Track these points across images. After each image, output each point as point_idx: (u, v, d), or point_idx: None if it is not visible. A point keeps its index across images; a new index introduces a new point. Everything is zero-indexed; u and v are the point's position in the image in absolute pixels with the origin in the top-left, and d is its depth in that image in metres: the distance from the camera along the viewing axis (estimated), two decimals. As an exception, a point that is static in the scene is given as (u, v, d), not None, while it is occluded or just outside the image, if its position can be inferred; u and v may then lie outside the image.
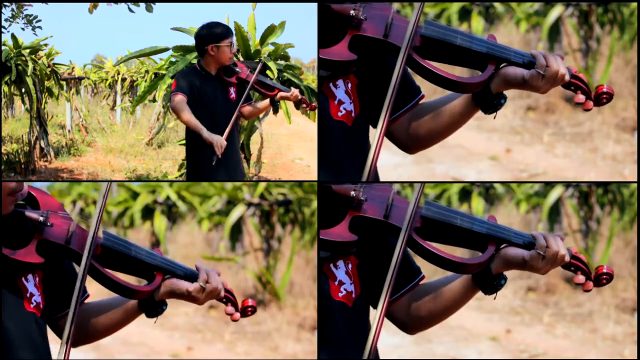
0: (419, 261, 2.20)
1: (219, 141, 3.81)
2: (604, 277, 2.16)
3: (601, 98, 2.20)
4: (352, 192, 2.12)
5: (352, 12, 2.18)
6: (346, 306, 2.16)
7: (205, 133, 3.81)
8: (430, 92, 2.28)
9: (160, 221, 8.01)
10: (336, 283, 2.15)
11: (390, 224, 2.12)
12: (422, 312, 2.23)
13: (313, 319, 6.93)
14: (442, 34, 2.18)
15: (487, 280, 2.14)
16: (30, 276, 2.19)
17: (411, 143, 2.35)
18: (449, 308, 2.22)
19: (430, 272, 2.21)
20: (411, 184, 2.17)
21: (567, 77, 2.16)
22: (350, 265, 2.17)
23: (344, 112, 2.23)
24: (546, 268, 2.12)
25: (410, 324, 2.26)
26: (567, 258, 2.12)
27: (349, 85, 2.24)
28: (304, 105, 4.17)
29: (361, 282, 2.18)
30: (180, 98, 3.85)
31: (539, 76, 2.14)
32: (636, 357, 6.07)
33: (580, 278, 2.16)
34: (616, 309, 6.86)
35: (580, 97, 2.20)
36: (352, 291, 2.17)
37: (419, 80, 2.28)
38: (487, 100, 2.20)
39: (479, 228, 2.12)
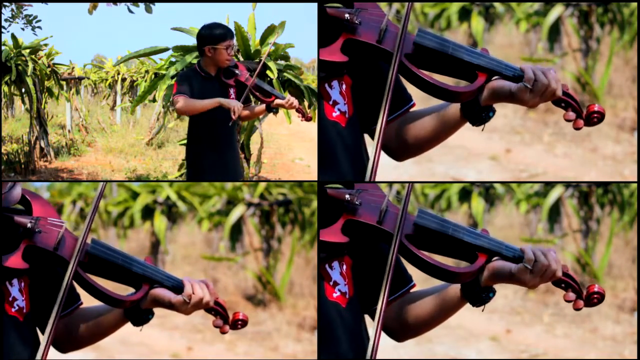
0: (411, 269, 2.21)
1: (236, 105, 3.80)
2: (595, 296, 2.14)
3: (592, 117, 2.18)
4: (347, 196, 2.13)
5: (346, 15, 2.19)
6: (340, 307, 2.17)
7: (222, 100, 3.83)
8: (424, 99, 2.29)
9: (160, 221, 8.01)
10: (331, 284, 2.16)
11: (383, 230, 2.12)
12: (410, 320, 2.24)
13: (313, 319, 6.93)
14: (435, 42, 2.18)
15: (476, 292, 2.14)
16: (15, 281, 2.20)
17: (399, 150, 2.36)
18: (436, 318, 2.23)
19: (422, 280, 2.22)
20: (411, 183, 2.15)
21: (558, 93, 2.15)
22: (344, 267, 2.18)
23: (338, 112, 2.24)
24: (534, 282, 2.10)
25: (399, 331, 2.28)
26: (559, 274, 2.11)
27: (344, 86, 2.25)
28: (299, 116, 4.15)
29: (355, 283, 2.19)
30: (183, 98, 3.85)
31: (526, 90, 2.13)
32: (636, 357, 6.07)
33: (571, 295, 2.14)
34: (616, 309, 6.86)
35: (570, 115, 2.19)
36: (346, 292, 2.17)
37: (410, 87, 2.29)
38: (475, 112, 2.20)
39: (470, 239, 2.12)
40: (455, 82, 2.22)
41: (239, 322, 2.32)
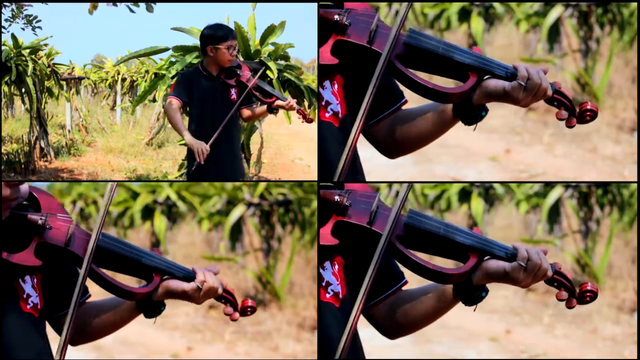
0: (404, 268, 2.20)
1: (200, 147, 3.84)
2: (588, 294, 2.14)
3: (585, 115, 2.17)
4: (337, 197, 2.13)
5: (336, 17, 2.18)
6: (334, 307, 2.17)
7: (187, 136, 3.88)
8: (418, 97, 2.28)
9: (160, 221, 8.02)
10: (323, 284, 2.17)
11: (373, 231, 2.11)
12: (402, 318, 2.24)
13: (313, 319, 6.93)
14: (426, 43, 2.17)
15: (468, 292, 2.14)
16: (27, 277, 2.23)
17: (391, 148, 2.36)
18: (428, 317, 2.23)
19: (416, 279, 2.21)
20: (410, 184, 2.15)
21: (549, 92, 2.15)
22: (336, 266, 2.18)
23: (331, 112, 2.24)
24: (527, 281, 2.10)
25: (390, 328, 2.28)
26: (550, 273, 2.11)
27: (336, 86, 2.25)
28: (299, 117, 4.16)
29: (347, 282, 2.20)
30: (173, 102, 3.94)
31: (520, 88, 2.13)
32: (636, 357, 6.08)
33: (563, 294, 2.15)
34: (616, 310, 6.87)
35: (563, 113, 2.18)
36: (339, 292, 2.18)
37: (402, 87, 2.28)
38: (468, 111, 2.20)
39: (462, 239, 2.11)
40: (447, 82, 2.22)
41: (249, 309, 2.38)
